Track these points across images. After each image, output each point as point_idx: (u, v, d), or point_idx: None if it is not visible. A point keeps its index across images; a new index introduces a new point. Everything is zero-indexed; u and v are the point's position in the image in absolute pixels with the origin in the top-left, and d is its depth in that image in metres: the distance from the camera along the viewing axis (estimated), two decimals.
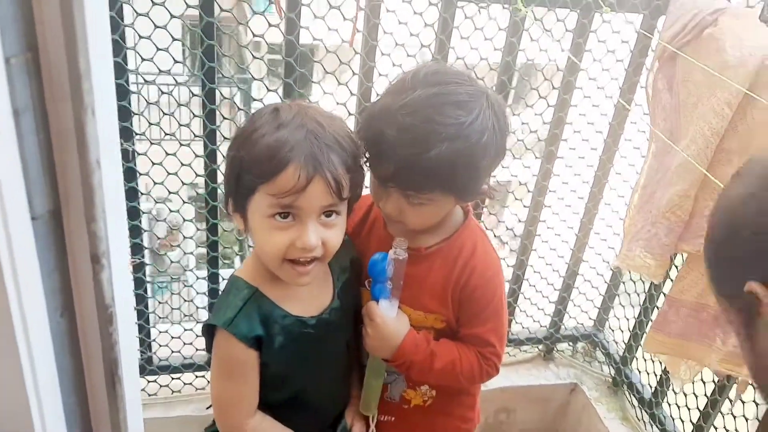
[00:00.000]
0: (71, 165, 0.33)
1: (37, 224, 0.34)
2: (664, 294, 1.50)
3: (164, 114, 1.36)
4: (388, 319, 1.05)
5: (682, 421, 1.65)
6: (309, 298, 1.01)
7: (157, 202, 1.62)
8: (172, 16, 1.24)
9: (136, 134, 1.33)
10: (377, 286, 1.05)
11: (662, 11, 1.43)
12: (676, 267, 1.47)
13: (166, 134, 1.43)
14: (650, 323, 1.57)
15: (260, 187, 0.86)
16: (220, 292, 1.36)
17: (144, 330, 1.60)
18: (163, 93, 1.41)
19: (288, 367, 1.00)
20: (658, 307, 1.62)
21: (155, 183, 1.43)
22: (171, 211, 1.58)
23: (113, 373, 0.41)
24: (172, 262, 1.76)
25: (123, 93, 1.26)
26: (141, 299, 1.54)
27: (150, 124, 1.38)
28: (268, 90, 1.47)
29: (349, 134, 0.93)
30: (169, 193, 1.48)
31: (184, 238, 1.69)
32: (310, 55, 1.44)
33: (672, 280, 1.45)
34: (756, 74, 1.20)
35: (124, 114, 1.27)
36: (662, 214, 1.35)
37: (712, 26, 1.28)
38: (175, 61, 1.29)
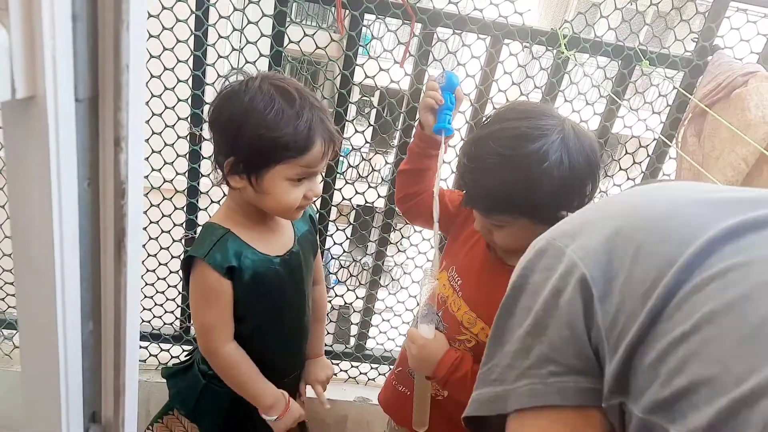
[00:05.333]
0: (108, 65, 0.45)
1: (79, 106, 0.46)
2: None
3: None
4: (429, 341, 1.17)
5: None
6: (274, 241, 1.18)
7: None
8: (248, 42, 1.43)
9: (205, 120, 1.50)
10: (443, 112, 1.18)
11: (701, 71, 1.50)
12: None
13: None
14: None
15: (290, 160, 1.04)
16: None
17: (186, 300, 1.77)
18: None
19: (254, 299, 1.15)
20: None
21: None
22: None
23: (120, 240, 0.53)
24: None
25: (198, 101, 1.47)
26: None
27: None
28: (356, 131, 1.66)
29: None
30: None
31: None
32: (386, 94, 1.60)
33: None
34: None
35: (197, 102, 1.47)
36: None
37: (742, 87, 1.35)
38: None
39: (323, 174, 1.53)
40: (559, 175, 0.99)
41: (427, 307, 1.18)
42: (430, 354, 1.17)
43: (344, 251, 2.05)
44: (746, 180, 1.30)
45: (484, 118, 1.13)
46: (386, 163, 1.75)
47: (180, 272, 1.71)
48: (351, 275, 1.88)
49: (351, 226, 1.80)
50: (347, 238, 1.94)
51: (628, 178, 1.72)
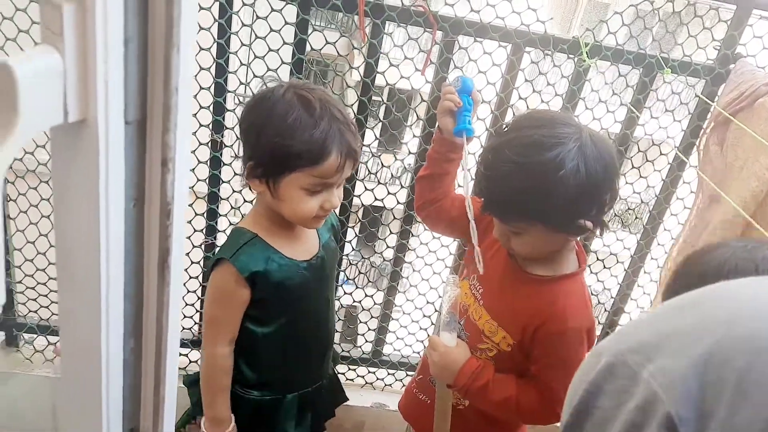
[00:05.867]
0: (157, 88, 0.46)
1: (128, 128, 0.46)
2: None
3: None
4: (450, 348, 1.18)
5: None
6: (300, 247, 1.20)
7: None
8: (270, 50, 1.43)
9: (226, 128, 1.51)
10: (462, 114, 1.18)
11: (723, 79, 1.49)
12: None
13: None
14: None
15: (304, 169, 1.05)
16: None
17: None
18: None
19: (280, 303, 1.17)
20: None
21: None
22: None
23: (164, 260, 0.53)
24: None
25: (219, 109, 1.47)
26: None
27: (237, 138, 1.57)
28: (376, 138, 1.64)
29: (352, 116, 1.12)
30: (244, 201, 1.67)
31: None
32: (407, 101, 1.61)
33: None
34: None
35: (219, 109, 1.48)
36: None
37: (766, 96, 1.34)
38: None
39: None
40: (576, 183, 0.99)
41: (449, 315, 1.18)
42: (451, 362, 1.17)
43: (355, 250, 2.04)
44: None
45: (504, 126, 1.13)
46: (395, 159, 1.74)
47: (200, 277, 1.73)
48: (359, 271, 1.89)
49: (360, 223, 1.80)
50: (356, 235, 1.94)
51: (648, 186, 1.71)
